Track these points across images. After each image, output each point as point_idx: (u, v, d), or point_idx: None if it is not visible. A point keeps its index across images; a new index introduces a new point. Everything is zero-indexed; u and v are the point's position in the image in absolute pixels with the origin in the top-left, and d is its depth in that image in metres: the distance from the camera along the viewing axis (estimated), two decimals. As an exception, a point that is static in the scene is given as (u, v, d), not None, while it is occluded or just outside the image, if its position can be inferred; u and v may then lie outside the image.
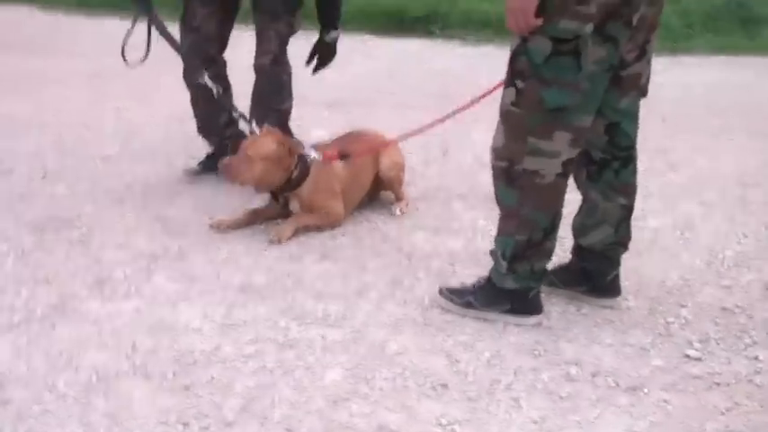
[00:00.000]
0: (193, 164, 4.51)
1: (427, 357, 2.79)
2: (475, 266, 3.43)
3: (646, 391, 2.60)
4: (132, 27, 4.03)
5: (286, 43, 4.20)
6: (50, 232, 3.74)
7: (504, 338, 2.91)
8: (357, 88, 6.48)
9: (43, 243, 3.63)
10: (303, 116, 4.78)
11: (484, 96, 3.25)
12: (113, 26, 5.88)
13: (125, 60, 4.05)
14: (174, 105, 5.21)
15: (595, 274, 3.12)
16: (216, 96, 4.14)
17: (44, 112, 5.78)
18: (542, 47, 2.70)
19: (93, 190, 4.27)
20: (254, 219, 3.83)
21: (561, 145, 2.78)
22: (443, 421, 2.45)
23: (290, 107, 4.33)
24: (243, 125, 4.22)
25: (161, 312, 3.06)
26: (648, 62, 2.91)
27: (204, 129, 4.42)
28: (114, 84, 6.40)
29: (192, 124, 4.45)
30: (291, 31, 4.20)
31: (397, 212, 3.98)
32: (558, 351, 2.83)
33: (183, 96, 4.35)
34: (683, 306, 3.15)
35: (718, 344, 2.89)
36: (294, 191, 3.78)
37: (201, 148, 4.54)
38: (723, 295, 3.25)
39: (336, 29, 4.25)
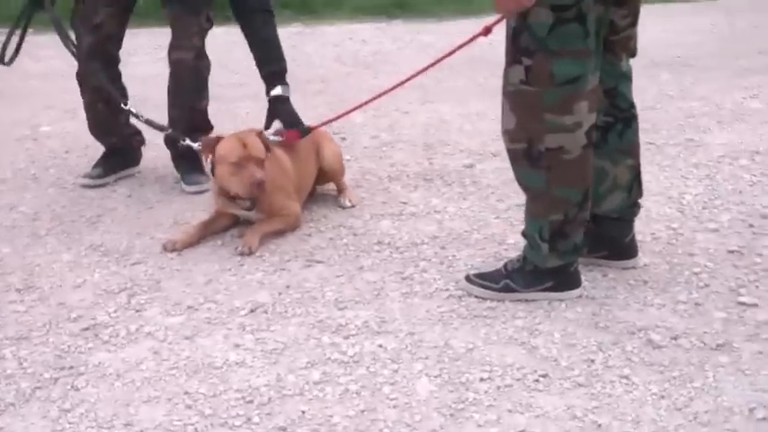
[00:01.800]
0: (89, 171, 4.15)
1: (502, 350, 2.65)
2: (467, 248, 3.34)
3: (736, 346, 2.60)
4: (20, 24, 3.54)
5: (205, 37, 3.94)
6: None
7: (559, 316, 2.83)
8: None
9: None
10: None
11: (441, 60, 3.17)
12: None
13: (5, 62, 3.74)
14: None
15: (614, 239, 3.09)
16: (129, 111, 3.89)
17: None
18: (543, 19, 2.60)
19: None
20: (205, 232, 3.52)
21: (581, 115, 2.71)
22: (578, 413, 2.34)
23: (208, 102, 4.08)
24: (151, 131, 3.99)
25: (184, 351, 2.73)
26: (636, 25, 2.88)
27: (102, 130, 4.14)
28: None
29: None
30: (210, 25, 3.96)
31: (347, 204, 3.79)
32: (619, 319, 2.78)
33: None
34: (692, 255, 3.19)
35: (757, 287, 2.93)
36: None
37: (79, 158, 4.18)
38: (717, 237, 3.35)
39: (280, 84, 3.75)
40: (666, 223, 3.46)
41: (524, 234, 2.92)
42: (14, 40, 3.82)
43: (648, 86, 5.34)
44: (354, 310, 2.91)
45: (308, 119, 4.88)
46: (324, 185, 3.92)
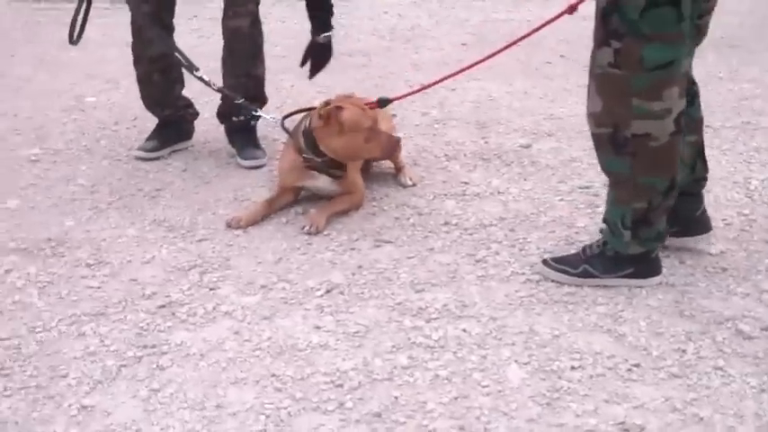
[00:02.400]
0: (143, 144, 4.09)
1: (588, 337, 2.62)
2: (536, 230, 3.31)
3: (832, 336, 2.56)
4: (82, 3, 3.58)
5: (260, 2, 3.88)
6: (46, 257, 3.20)
7: (641, 303, 2.79)
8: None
9: (52, 268, 3.11)
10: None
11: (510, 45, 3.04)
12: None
13: (73, 41, 3.73)
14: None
15: (684, 213, 3.03)
16: (202, 78, 3.78)
17: None
18: (636, 0, 2.51)
19: (51, 201, 3.68)
20: (269, 210, 3.48)
21: (671, 101, 2.64)
22: (677, 405, 2.31)
23: (264, 72, 4.00)
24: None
25: (264, 331, 2.70)
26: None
27: (157, 102, 4.07)
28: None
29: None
30: None
31: (409, 182, 3.74)
32: (704, 308, 2.75)
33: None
34: (768, 242, 3.13)
35: None
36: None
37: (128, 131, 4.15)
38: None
39: (328, 30, 3.92)
40: (737, 209, 3.42)
41: (605, 220, 2.86)
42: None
43: (696, 68, 5.26)
44: (432, 293, 2.87)
45: (357, 92, 4.86)
46: (380, 163, 3.83)
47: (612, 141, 2.70)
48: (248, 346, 2.61)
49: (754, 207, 3.44)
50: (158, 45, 3.78)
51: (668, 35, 2.55)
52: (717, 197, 3.52)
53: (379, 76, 5.37)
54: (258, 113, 3.73)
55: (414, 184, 3.72)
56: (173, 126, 4.10)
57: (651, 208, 2.77)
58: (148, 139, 4.07)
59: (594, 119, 2.74)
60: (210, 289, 2.92)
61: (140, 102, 4.61)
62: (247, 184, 3.75)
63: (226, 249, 3.19)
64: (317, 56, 3.94)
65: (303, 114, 3.52)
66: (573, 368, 2.47)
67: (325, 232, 3.31)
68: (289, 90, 4.98)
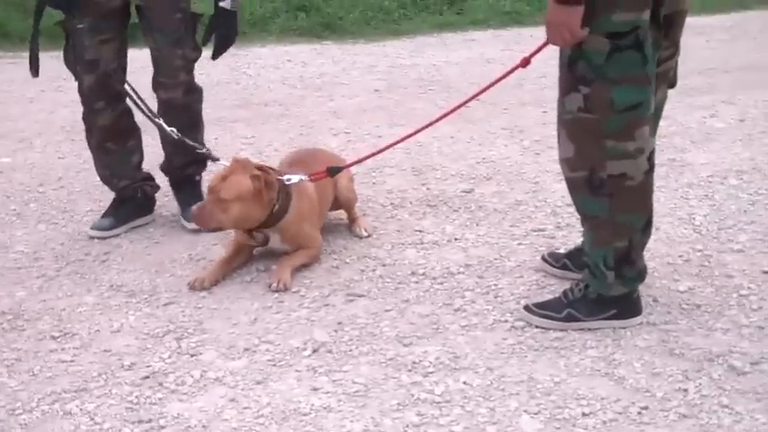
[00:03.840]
0: (98, 222, 3.81)
1: (589, 382, 2.66)
2: (504, 276, 3.33)
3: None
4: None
5: (193, 68, 3.65)
6: (5, 332, 3.04)
7: (630, 344, 2.85)
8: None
9: (15, 343, 2.95)
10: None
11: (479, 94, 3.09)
12: None
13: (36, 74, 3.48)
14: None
15: None
16: (173, 136, 3.55)
17: None
18: (599, 46, 2.60)
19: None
20: (229, 268, 3.41)
21: (643, 140, 2.73)
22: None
23: (203, 131, 3.86)
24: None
25: (260, 396, 2.62)
26: (677, 55, 2.89)
27: (112, 173, 3.79)
28: None
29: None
30: (198, 54, 3.64)
31: (364, 233, 3.72)
32: (691, 346, 2.82)
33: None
34: (730, 277, 3.28)
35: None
36: (274, 225, 3.35)
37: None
38: (745, 258, 3.42)
39: None
40: (689, 245, 3.52)
41: (586, 263, 2.89)
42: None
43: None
44: (421, 346, 2.85)
45: (281, 143, 4.83)
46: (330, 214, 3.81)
47: (589, 184, 2.75)
48: (249, 413, 2.52)
49: (705, 242, 3.55)
50: (110, 113, 3.63)
51: (635, 77, 2.63)
52: (667, 234, 3.61)
53: (302, 125, 5.33)
54: (219, 160, 3.54)
55: (369, 235, 3.70)
56: (129, 201, 3.81)
57: (632, 246, 2.83)
58: (104, 216, 3.78)
59: (568, 164, 2.77)
60: (192, 355, 2.81)
61: (62, 161, 4.45)
62: (199, 242, 3.65)
63: (196, 312, 3.08)
64: (223, 26, 3.48)
65: None
66: (584, 415, 2.48)
67: (294, 288, 3.24)
68: (212, 144, 4.86)
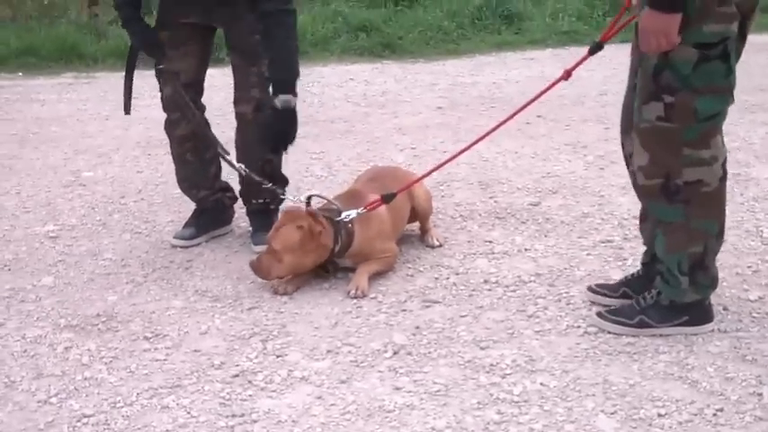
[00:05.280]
0: (180, 231, 3.97)
1: (663, 385, 2.73)
2: (575, 284, 3.40)
3: None
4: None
5: (269, 86, 3.64)
6: (101, 332, 3.19)
7: (702, 350, 2.91)
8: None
9: (111, 343, 3.10)
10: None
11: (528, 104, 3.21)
12: None
13: (128, 112, 3.68)
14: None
15: None
16: (222, 155, 3.73)
17: None
18: (687, 56, 2.68)
19: (85, 276, 3.66)
20: (308, 275, 3.48)
21: (716, 149, 2.82)
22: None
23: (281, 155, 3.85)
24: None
25: (346, 394, 2.73)
26: None
27: (191, 184, 3.94)
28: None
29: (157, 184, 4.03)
30: None
31: (436, 243, 3.84)
32: (764, 352, 2.89)
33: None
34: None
35: None
36: (343, 257, 3.51)
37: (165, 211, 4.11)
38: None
39: (289, 93, 3.49)
40: (758, 257, 3.58)
41: (660, 272, 2.96)
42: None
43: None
44: (497, 350, 2.94)
45: (349, 158, 4.96)
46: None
47: (665, 191, 2.83)
48: (335, 410, 2.63)
49: (774, 254, 3.59)
50: (186, 125, 3.75)
51: (718, 88, 2.71)
52: (735, 245, 3.68)
53: (368, 141, 5.47)
54: (284, 196, 3.69)
55: (440, 245, 3.80)
56: (210, 212, 3.95)
57: (706, 252, 2.90)
58: (185, 226, 3.93)
59: (643, 172, 2.86)
60: (278, 356, 2.94)
61: (140, 175, 4.62)
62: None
63: (279, 316, 3.21)
64: (274, 123, 3.53)
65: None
66: (660, 415, 2.55)
67: (371, 295, 3.35)
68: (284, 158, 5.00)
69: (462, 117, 6.03)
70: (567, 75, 2.99)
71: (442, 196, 4.46)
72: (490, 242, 3.85)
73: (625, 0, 2.94)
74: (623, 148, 3.06)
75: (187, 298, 3.38)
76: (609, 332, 3.00)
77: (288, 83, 3.49)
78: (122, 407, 2.65)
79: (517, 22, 8.79)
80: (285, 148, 3.65)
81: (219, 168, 3.93)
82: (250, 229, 3.96)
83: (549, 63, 7.61)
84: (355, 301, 3.32)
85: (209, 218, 3.94)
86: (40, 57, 7.77)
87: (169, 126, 3.82)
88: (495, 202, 4.36)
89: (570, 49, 8.09)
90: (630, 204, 3.15)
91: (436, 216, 4.13)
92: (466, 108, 6.29)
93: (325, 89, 6.99)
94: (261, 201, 3.83)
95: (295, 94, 3.49)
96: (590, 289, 3.26)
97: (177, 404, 2.66)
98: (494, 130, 3.34)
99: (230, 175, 3.94)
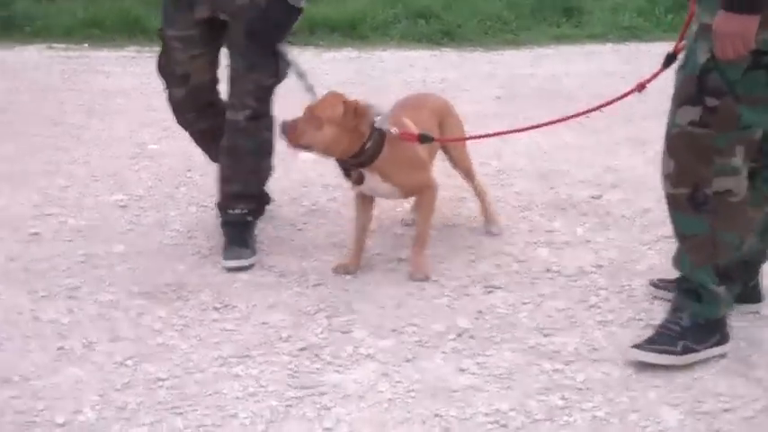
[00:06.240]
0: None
1: (727, 380, 2.77)
2: (637, 278, 3.42)
3: None
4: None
5: (270, 94, 3.47)
6: (171, 301, 3.28)
7: (765, 348, 2.89)
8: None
9: (181, 311, 3.18)
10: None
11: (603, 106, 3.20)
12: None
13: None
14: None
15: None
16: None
17: None
18: (739, 60, 2.55)
19: (154, 246, 3.76)
20: (363, 243, 3.52)
21: (741, 158, 2.70)
22: None
23: (270, 168, 3.68)
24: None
25: (411, 373, 2.81)
26: None
27: None
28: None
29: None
30: (277, 80, 3.46)
31: (496, 231, 3.84)
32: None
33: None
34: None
35: None
36: (370, 164, 3.29)
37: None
38: None
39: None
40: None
41: (687, 289, 2.89)
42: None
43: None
44: (560, 337, 2.97)
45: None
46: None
47: (691, 200, 2.74)
48: (401, 387, 2.68)
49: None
50: (205, 120, 3.64)
51: (761, 98, 2.61)
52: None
53: (429, 127, 5.47)
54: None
55: (500, 233, 3.83)
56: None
57: (732, 263, 2.82)
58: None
59: (670, 180, 2.78)
60: (343, 332, 3.00)
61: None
62: (339, 231, 3.82)
63: (343, 294, 3.27)
64: (270, 12, 3.32)
65: None
66: (725, 410, 2.57)
67: (434, 278, 3.39)
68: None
69: (521, 107, 6.03)
70: (640, 87, 2.96)
71: (502, 185, 4.48)
72: (551, 232, 3.88)
73: (690, 6, 2.82)
74: None
75: (253, 272, 3.44)
76: (651, 363, 2.84)
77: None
78: (194, 373, 2.73)
79: (577, 16, 8.75)
80: (273, 47, 3.38)
81: None
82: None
83: (609, 58, 7.58)
84: (418, 283, 3.35)
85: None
86: (104, 29, 7.87)
87: (183, 123, 3.70)
88: (556, 193, 4.38)
89: (630, 45, 8.04)
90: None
91: (496, 204, 4.15)
92: (525, 99, 6.30)
93: (385, 74, 7.01)
94: (239, 211, 3.59)
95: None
96: (652, 283, 3.25)
97: (246, 373, 2.74)
98: (557, 122, 3.35)
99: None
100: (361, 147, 3.23)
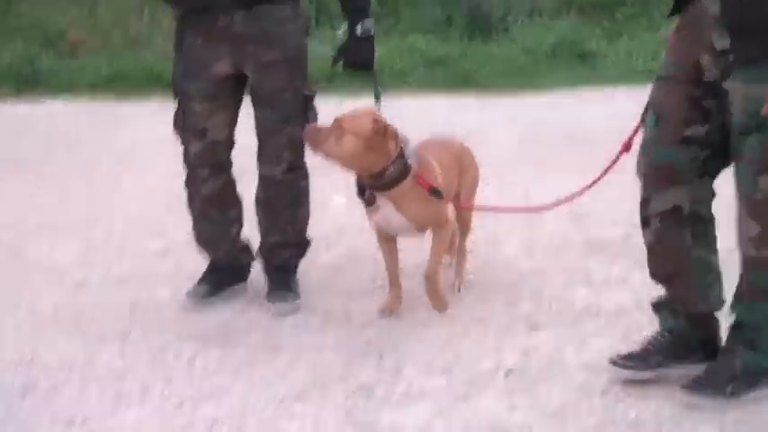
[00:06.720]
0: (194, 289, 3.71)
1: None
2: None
3: None
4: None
5: (304, 144, 3.37)
6: (217, 344, 3.34)
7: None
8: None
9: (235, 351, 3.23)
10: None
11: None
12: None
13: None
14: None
15: (713, 339, 2.98)
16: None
17: None
18: None
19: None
20: (397, 281, 3.58)
21: None
22: None
23: (307, 214, 3.64)
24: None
25: (464, 411, 2.85)
26: None
27: (212, 241, 3.68)
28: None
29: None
30: None
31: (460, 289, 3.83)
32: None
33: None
34: None
35: None
36: (388, 191, 3.29)
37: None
38: None
39: (368, 16, 3.33)
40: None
41: (742, 336, 2.89)
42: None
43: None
44: (607, 374, 3.00)
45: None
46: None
47: None
48: (457, 425, 2.73)
49: None
50: (214, 182, 3.59)
51: None
52: None
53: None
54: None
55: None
56: (226, 269, 3.71)
57: None
58: (199, 282, 3.66)
59: (754, 243, 2.76)
60: (395, 371, 3.03)
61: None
62: (378, 276, 3.87)
63: (389, 334, 3.33)
64: (357, 53, 3.38)
65: None
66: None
67: (477, 317, 3.43)
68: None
69: (544, 151, 6.11)
70: (626, 147, 3.12)
71: (533, 226, 4.53)
72: (587, 272, 3.92)
73: None
74: (648, 205, 3.08)
75: (299, 315, 3.50)
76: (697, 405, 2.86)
77: (364, 9, 3.34)
78: (252, 414, 2.76)
79: (591, 60, 8.89)
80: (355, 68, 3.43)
81: (241, 226, 3.70)
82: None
83: (624, 101, 7.66)
84: (463, 324, 3.40)
85: (224, 274, 3.69)
86: (129, 82, 8.01)
87: (194, 183, 3.55)
88: (588, 233, 4.42)
89: (645, 88, 8.08)
90: (722, 241, 3.12)
91: (528, 243, 4.19)
92: (547, 142, 6.38)
93: (405, 121, 7.08)
94: (280, 258, 3.62)
95: (371, 15, 3.32)
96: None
97: (304, 413, 2.77)
98: (607, 171, 3.35)
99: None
100: (383, 169, 3.21)
